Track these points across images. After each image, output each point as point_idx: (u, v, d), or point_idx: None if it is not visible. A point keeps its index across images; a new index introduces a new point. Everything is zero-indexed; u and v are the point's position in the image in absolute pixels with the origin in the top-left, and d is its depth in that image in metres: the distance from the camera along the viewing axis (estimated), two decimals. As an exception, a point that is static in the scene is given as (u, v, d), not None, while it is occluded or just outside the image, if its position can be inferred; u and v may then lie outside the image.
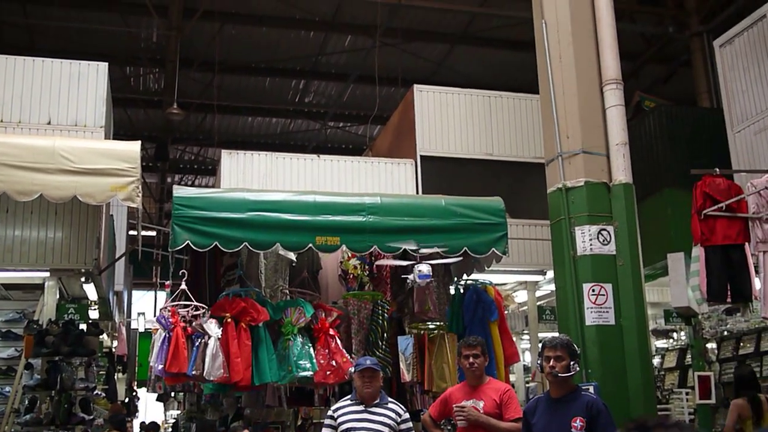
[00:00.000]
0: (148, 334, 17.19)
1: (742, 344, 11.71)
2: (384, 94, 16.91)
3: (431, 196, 9.04)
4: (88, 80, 9.81)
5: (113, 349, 16.44)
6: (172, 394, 18.02)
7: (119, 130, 16.80)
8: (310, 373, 7.17)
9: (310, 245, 7.19)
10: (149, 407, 24.34)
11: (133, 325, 21.02)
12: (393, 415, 5.92)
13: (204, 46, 16.01)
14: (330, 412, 6.11)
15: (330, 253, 7.74)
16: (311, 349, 7.34)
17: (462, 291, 8.23)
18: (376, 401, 5.97)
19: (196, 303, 7.19)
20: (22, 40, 15.34)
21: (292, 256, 8.31)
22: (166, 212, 23.07)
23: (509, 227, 8.03)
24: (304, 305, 7.50)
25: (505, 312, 9.16)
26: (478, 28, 16.25)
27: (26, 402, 9.05)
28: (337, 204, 7.52)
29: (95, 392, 11.05)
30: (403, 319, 8.60)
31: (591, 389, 6.13)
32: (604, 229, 7.56)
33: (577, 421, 5.04)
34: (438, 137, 11.80)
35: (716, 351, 12.16)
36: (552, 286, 9.93)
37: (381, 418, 5.87)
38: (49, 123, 9.58)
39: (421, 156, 11.65)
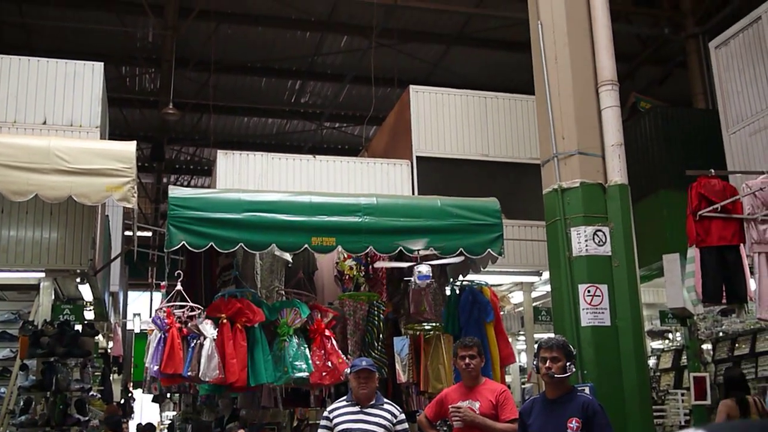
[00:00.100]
0: (143, 335, 17.24)
1: (737, 345, 11.73)
2: (380, 94, 16.92)
3: (427, 196, 9.04)
4: (84, 80, 9.80)
5: (109, 350, 16.42)
6: (168, 395, 17.98)
7: (115, 130, 16.77)
8: (306, 374, 7.17)
9: (306, 246, 7.19)
10: (145, 408, 24.31)
11: (129, 326, 21.00)
12: (389, 416, 5.92)
13: (200, 45, 15.99)
14: (326, 413, 6.10)
15: (326, 253, 7.74)
16: (307, 350, 7.33)
17: (458, 292, 8.23)
18: (372, 402, 5.96)
19: (191, 304, 7.19)
20: (17, 40, 15.31)
21: (287, 256, 8.31)
22: (162, 213, 23.03)
23: (505, 228, 8.03)
24: (300, 306, 7.50)
25: (501, 313, 9.16)
26: (474, 29, 16.27)
27: (21, 403, 9.03)
28: (332, 205, 7.52)
29: (91, 393, 11.04)
30: (399, 320, 8.60)
31: (587, 390, 6.12)
32: (600, 230, 7.56)
33: (573, 422, 5.04)
34: (434, 138, 11.81)
35: (712, 352, 12.18)
36: (548, 287, 9.94)
37: (377, 419, 5.86)
38: (44, 123, 9.56)
39: (417, 157, 11.66)
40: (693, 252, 7.97)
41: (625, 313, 7.39)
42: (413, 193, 11.26)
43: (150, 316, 10.73)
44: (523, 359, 15.90)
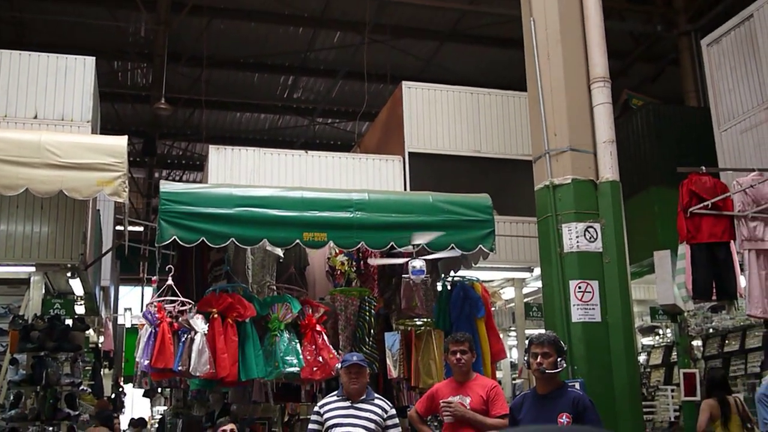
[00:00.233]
0: (134, 330, 17.19)
1: (727, 342, 11.79)
2: (373, 90, 16.89)
3: (419, 192, 9.04)
4: (75, 74, 9.76)
5: (100, 345, 16.38)
6: (159, 389, 17.95)
7: (107, 125, 16.72)
8: (297, 369, 7.17)
9: (298, 241, 7.19)
10: (136, 403, 24.26)
11: (120, 321, 20.94)
12: (379, 411, 5.92)
13: (192, 41, 15.94)
14: (316, 408, 6.10)
15: (317, 249, 7.74)
16: (298, 345, 7.34)
17: (449, 288, 8.24)
18: (363, 397, 5.96)
19: (182, 298, 7.17)
20: (9, 34, 15.23)
21: (279, 251, 8.31)
22: (154, 207, 22.99)
23: (496, 224, 8.05)
24: (291, 301, 7.50)
25: (492, 309, 9.18)
26: (467, 26, 16.26)
27: (11, 397, 9.01)
28: (324, 200, 7.52)
29: (81, 388, 11.01)
30: (390, 315, 8.61)
31: (577, 386, 6.16)
32: (591, 227, 7.58)
33: (564, 417, 5.06)
34: (426, 134, 11.81)
35: (702, 348, 12.24)
36: (539, 283, 9.96)
37: (367, 414, 5.87)
38: (35, 117, 9.52)
39: (409, 153, 11.65)
40: (684, 249, 8.01)
41: (615, 310, 7.42)
42: (405, 189, 11.27)
43: (141, 311, 10.70)
44: (514, 355, 15.97)
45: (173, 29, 14.96)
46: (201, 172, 18.62)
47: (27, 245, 9.26)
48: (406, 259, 7.52)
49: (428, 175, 11.38)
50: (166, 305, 7.12)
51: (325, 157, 11.71)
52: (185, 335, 6.92)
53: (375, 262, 8.17)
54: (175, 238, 6.90)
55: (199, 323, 6.92)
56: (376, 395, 6.13)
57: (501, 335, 9.50)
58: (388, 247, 7.46)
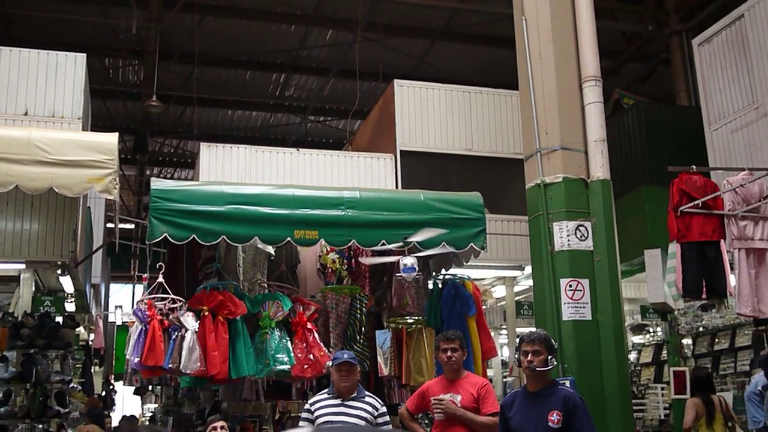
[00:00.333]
0: (125, 328, 17.15)
1: (717, 340, 11.84)
2: (365, 88, 16.89)
3: (410, 190, 9.05)
4: (66, 71, 9.73)
5: (90, 342, 16.34)
6: (150, 387, 17.93)
7: (98, 122, 16.69)
8: (288, 366, 7.16)
9: (289, 239, 7.18)
10: (126, 401, 24.21)
11: (111, 318, 20.90)
12: (370, 408, 5.93)
13: (184, 38, 15.91)
14: (307, 406, 6.11)
15: (308, 246, 7.74)
16: (289, 343, 7.33)
17: (440, 286, 8.23)
18: (354, 395, 5.97)
19: (173, 296, 7.16)
20: (-1, 30, 15.19)
21: (270, 249, 8.30)
22: (145, 205, 22.90)
23: (488, 222, 8.06)
24: (282, 299, 7.49)
25: (483, 307, 9.18)
26: (459, 24, 16.28)
27: (1, 395, 8.99)
28: (315, 198, 7.51)
29: (71, 385, 11.00)
30: (381, 313, 8.61)
31: (567, 383, 6.17)
32: (582, 225, 7.59)
33: (554, 415, 5.07)
34: (418, 132, 11.81)
35: (692, 347, 12.29)
36: (530, 282, 9.98)
37: (358, 412, 5.87)
38: (25, 114, 9.49)
39: (401, 151, 11.66)
40: (674, 247, 8.04)
41: (606, 308, 7.43)
42: (397, 187, 11.27)
43: (132, 309, 10.69)
44: (505, 353, 16.01)
45: (165, 26, 14.93)
46: (192, 169, 18.58)
47: (17, 242, 9.22)
48: (397, 257, 7.51)
49: (420, 174, 11.39)
50: (156, 303, 7.10)
51: (316, 155, 11.71)
52: (176, 333, 6.90)
53: (367, 261, 8.17)
54: (165, 236, 6.88)
55: (189, 321, 6.91)
56: (366, 393, 6.14)
57: (492, 333, 9.51)
58: (380, 244, 7.45)
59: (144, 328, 6.87)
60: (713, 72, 10.57)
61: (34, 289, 9.81)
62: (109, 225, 14.20)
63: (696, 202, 7.80)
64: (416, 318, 8.11)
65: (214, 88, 18.25)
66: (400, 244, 7.36)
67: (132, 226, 22.59)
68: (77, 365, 13.79)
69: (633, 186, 11.98)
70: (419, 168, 11.56)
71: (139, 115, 18.80)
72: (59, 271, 9.87)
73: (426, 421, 7.39)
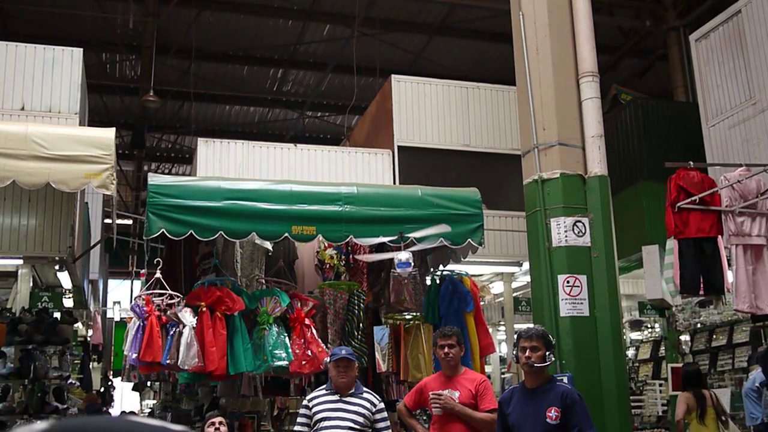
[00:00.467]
0: (123, 324, 17.12)
1: (714, 336, 11.85)
2: (362, 84, 16.87)
3: (408, 186, 9.04)
4: (63, 66, 9.70)
5: (88, 338, 16.33)
6: (148, 383, 17.93)
7: (95, 117, 16.63)
8: (286, 362, 7.16)
9: (286, 234, 7.17)
10: (125, 397, 24.22)
11: (109, 314, 20.89)
12: (368, 404, 5.93)
13: (181, 32, 15.88)
14: (305, 402, 6.10)
15: (306, 242, 7.73)
16: (287, 339, 7.33)
17: (438, 282, 8.24)
18: (351, 391, 5.96)
19: (171, 292, 7.15)
20: (-4, 25, 15.16)
21: (268, 245, 8.29)
22: (143, 200, 22.85)
23: (485, 218, 8.05)
24: (280, 295, 7.49)
25: (481, 303, 9.19)
26: (457, 20, 16.27)
27: (-1, 391, 8.98)
28: (313, 193, 7.50)
29: (69, 381, 10.99)
30: (379, 309, 8.61)
31: (565, 380, 6.17)
32: (579, 221, 7.60)
33: (552, 411, 5.07)
34: (415, 128, 11.80)
35: (689, 343, 12.30)
36: (528, 278, 9.97)
37: (356, 408, 5.87)
38: (22, 109, 9.46)
39: (399, 146, 11.64)
40: (671, 243, 8.04)
41: (603, 304, 7.44)
42: (394, 183, 11.26)
43: (130, 304, 10.69)
44: (503, 349, 15.99)
45: (162, 21, 14.91)
46: (190, 164, 18.57)
47: (14, 238, 9.20)
48: (393, 254, 7.50)
49: (417, 169, 11.37)
50: (154, 298, 7.10)
51: (314, 150, 11.69)
52: (173, 328, 6.90)
53: (363, 258, 8.16)
54: (163, 231, 6.88)
55: (187, 316, 6.91)
56: (364, 389, 6.14)
57: (490, 329, 9.52)
58: (377, 240, 7.45)
59: (142, 323, 6.87)
60: (710, 68, 10.58)
61: (31, 284, 9.80)
62: (107, 220, 14.21)
63: (693, 198, 7.80)
64: (414, 314, 8.12)
65: (211, 83, 18.23)
66: (395, 238, 7.34)
67: (130, 221, 22.59)
68: (75, 361, 13.79)
69: (630, 182, 11.99)
70: (417, 163, 11.55)
71: (137, 110, 18.77)
72: (57, 267, 9.85)
73: (424, 418, 7.40)
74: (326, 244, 8.27)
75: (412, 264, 7.25)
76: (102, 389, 18.52)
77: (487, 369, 13.04)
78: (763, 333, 10.47)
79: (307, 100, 19.60)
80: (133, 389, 19.97)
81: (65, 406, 9.54)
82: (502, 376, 15.42)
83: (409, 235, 7.35)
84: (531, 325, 5.83)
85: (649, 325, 14.52)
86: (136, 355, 6.78)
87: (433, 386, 6.05)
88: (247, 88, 18.95)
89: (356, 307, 8.08)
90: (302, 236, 7.27)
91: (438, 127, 11.88)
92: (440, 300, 8.05)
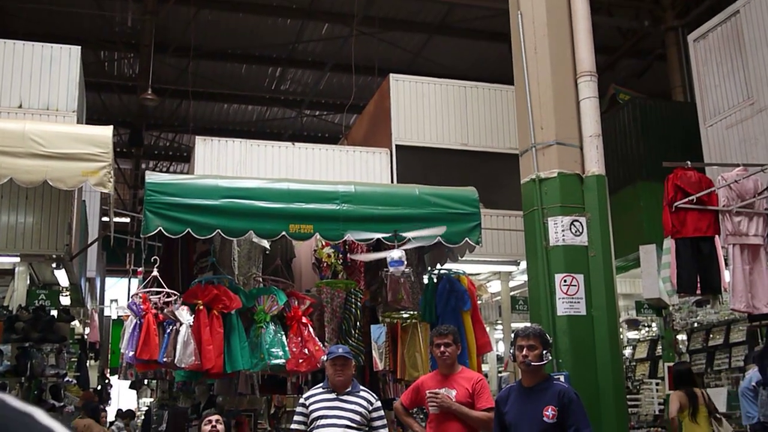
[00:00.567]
0: (121, 321, 17.12)
1: (711, 336, 11.86)
2: (360, 83, 16.88)
3: (405, 185, 9.04)
4: (61, 64, 9.69)
5: (85, 336, 16.33)
6: (145, 381, 17.93)
7: (93, 115, 16.64)
8: (283, 361, 7.16)
9: (284, 233, 7.17)
10: (122, 395, 24.22)
11: (106, 312, 20.89)
12: (365, 403, 5.93)
13: (179, 31, 15.87)
14: (302, 400, 6.10)
15: (303, 241, 7.73)
16: (284, 337, 7.32)
17: (435, 280, 8.24)
18: (348, 389, 5.96)
19: (168, 290, 7.15)
20: (-7, 23, 15.13)
21: (265, 243, 8.29)
22: (140, 199, 22.80)
23: (483, 217, 8.06)
24: (277, 293, 7.48)
25: (478, 302, 9.19)
26: (456, 19, 16.26)
27: (-5, 388, 8.97)
28: (310, 192, 7.50)
29: (66, 379, 10.98)
30: (376, 307, 8.61)
31: (562, 378, 6.18)
32: (577, 220, 7.60)
33: (549, 410, 5.08)
34: (413, 127, 11.80)
35: (686, 342, 12.31)
36: (525, 277, 9.99)
37: (353, 406, 5.87)
38: (20, 106, 9.45)
39: (397, 145, 11.65)
40: (669, 243, 8.05)
41: (600, 303, 7.45)
42: (392, 182, 11.26)
43: (127, 302, 10.69)
44: (500, 348, 16.00)
45: (160, 19, 14.89)
46: (188, 163, 18.56)
47: (11, 235, 9.20)
48: (388, 253, 7.50)
49: (415, 168, 11.38)
50: (151, 296, 7.09)
51: (312, 149, 11.69)
52: (170, 327, 6.89)
53: (359, 257, 8.16)
54: (160, 229, 6.87)
55: (184, 315, 6.90)
56: (361, 387, 6.14)
57: (487, 328, 9.53)
58: (374, 240, 7.45)
59: (139, 321, 6.86)
60: (709, 68, 10.59)
61: (28, 282, 9.79)
62: (104, 218, 14.20)
63: (691, 198, 7.81)
64: (411, 313, 8.12)
65: (209, 81, 18.21)
66: (389, 235, 7.34)
67: (127, 219, 22.58)
68: (72, 359, 13.79)
69: (628, 181, 12.00)
70: (414, 162, 11.56)
71: (135, 108, 18.75)
72: (54, 265, 9.85)
73: (421, 416, 7.39)
74: (323, 243, 8.27)
75: (405, 262, 7.24)
76: (99, 387, 18.53)
77: (484, 368, 13.03)
78: (759, 332, 10.48)
79: (306, 99, 19.60)
80: (130, 387, 19.97)
81: (62, 404, 9.55)
82: (499, 374, 15.42)
83: (405, 234, 7.35)
84: (528, 324, 5.83)
85: (646, 325, 14.54)
86: (133, 353, 6.78)
87: (430, 385, 6.05)
88: (245, 87, 18.94)
89: (353, 306, 8.08)
90: (300, 235, 7.27)
91: (436, 126, 11.89)
92: (437, 299, 8.05)
